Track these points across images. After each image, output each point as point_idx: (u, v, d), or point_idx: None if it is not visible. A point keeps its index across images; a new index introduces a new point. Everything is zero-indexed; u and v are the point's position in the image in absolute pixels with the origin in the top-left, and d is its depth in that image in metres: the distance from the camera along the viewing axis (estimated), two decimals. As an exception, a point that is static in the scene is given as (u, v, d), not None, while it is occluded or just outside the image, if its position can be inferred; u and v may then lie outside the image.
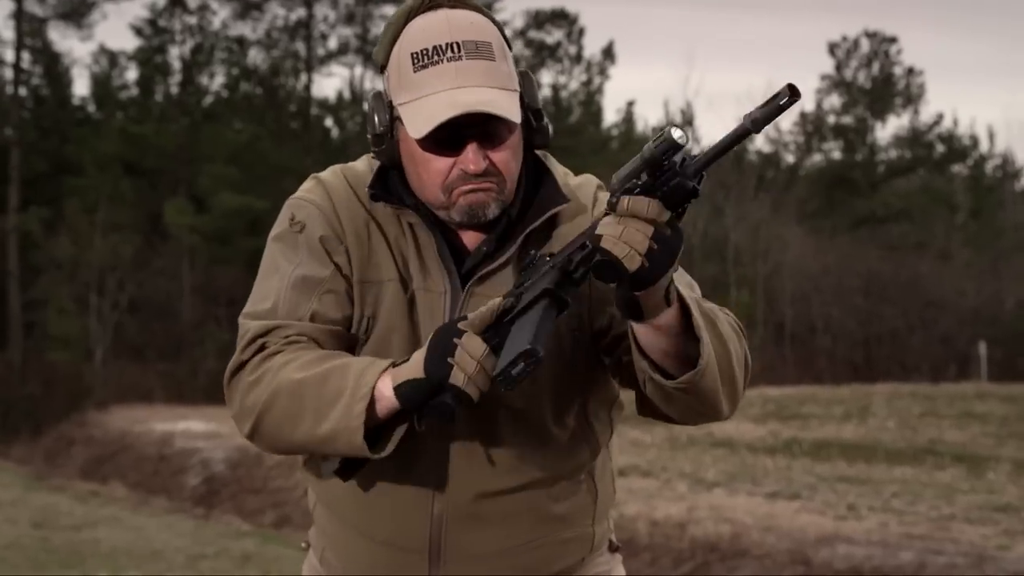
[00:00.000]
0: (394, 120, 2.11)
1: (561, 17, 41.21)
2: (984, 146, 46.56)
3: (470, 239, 2.15)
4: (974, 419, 17.64)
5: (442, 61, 2.05)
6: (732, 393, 2.04)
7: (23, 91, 38.07)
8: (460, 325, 1.95)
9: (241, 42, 38.37)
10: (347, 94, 39.69)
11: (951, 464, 13.12)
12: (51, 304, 32.94)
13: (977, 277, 38.10)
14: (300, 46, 38.33)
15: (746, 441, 15.82)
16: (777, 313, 37.30)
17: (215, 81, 39.32)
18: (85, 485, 15.99)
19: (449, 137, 2.03)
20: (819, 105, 44.19)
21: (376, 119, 2.12)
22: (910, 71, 43.92)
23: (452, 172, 2.05)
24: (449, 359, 1.94)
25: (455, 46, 2.06)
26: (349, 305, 2.13)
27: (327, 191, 2.18)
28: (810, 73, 52.37)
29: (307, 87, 38.47)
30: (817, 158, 44.35)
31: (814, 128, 44.08)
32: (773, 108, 1.79)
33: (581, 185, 2.22)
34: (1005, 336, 35.23)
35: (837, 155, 44.09)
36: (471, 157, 2.04)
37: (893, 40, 43.93)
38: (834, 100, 44.18)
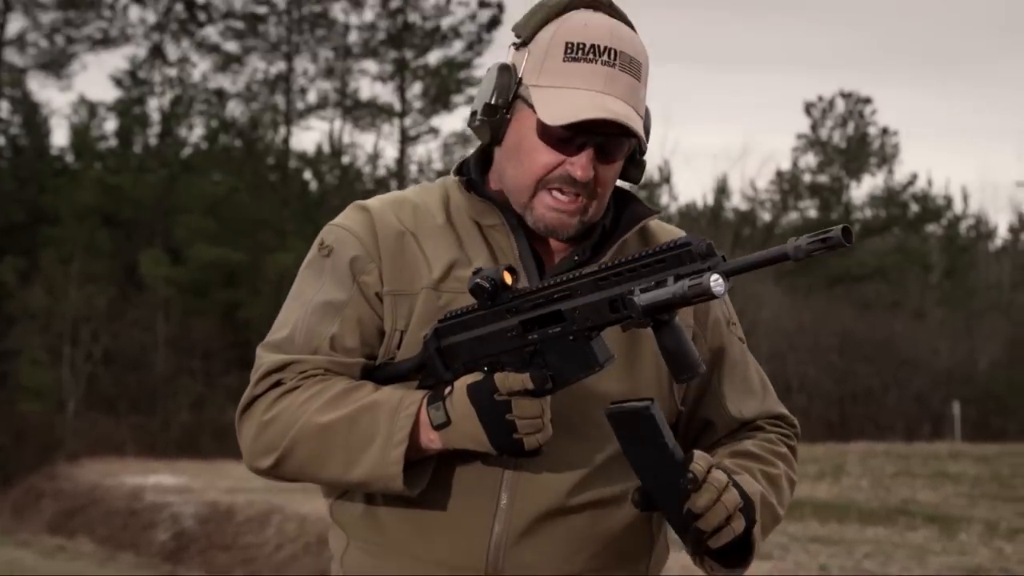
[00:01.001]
0: (516, 98, 2.06)
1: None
2: (958, 206, 46.79)
3: (555, 243, 2.11)
4: (947, 479, 17.59)
5: (597, 62, 2.02)
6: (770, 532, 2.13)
7: (1, 140, 38.02)
8: (496, 396, 1.91)
9: (220, 94, 38.40)
10: (326, 147, 39.75)
11: (923, 525, 13.07)
12: (24, 355, 32.68)
13: (951, 336, 38.21)
14: (279, 99, 38.42)
15: (719, 500, 15.71)
16: (753, 370, 37.26)
17: (194, 133, 39.32)
18: (52, 540, 15.83)
19: (570, 137, 2.01)
20: (795, 164, 44.48)
21: (497, 90, 2.06)
22: (885, 131, 44.25)
23: (556, 170, 2.02)
24: (515, 435, 1.91)
25: (613, 52, 2.03)
26: (376, 324, 2.07)
27: (362, 210, 2.13)
28: (786, 132, 52.69)
29: (286, 140, 38.54)
30: (793, 216, 44.54)
31: (790, 186, 44.30)
32: (817, 244, 1.80)
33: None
34: (979, 395, 35.30)
35: (813, 213, 44.28)
36: (584, 163, 2.01)
37: (868, 101, 44.30)
38: (810, 159, 44.49)
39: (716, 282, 1.77)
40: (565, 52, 2.03)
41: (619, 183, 2.16)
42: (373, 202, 2.14)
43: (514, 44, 2.11)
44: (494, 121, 2.06)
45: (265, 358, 2.09)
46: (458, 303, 2.03)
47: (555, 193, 2.03)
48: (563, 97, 2.00)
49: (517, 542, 2.02)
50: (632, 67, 2.04)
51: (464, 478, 2.02)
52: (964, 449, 24.76)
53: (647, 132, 2.10)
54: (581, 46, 2.02)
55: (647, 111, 2.10)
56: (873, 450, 23.64)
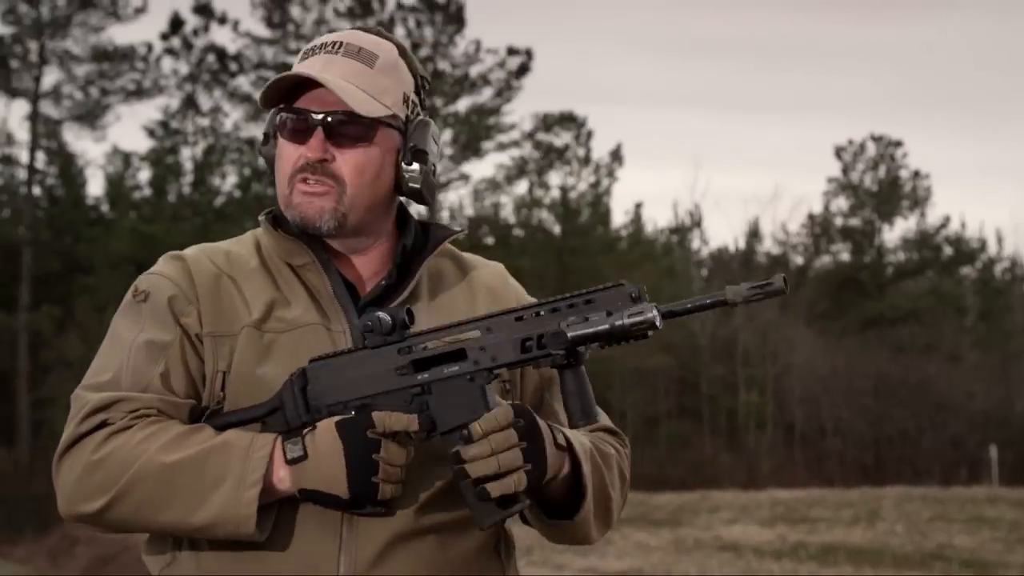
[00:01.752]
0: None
1: (569, 120, 41.50)
2: (992, 249, 46.67)
3: (364, 265, 2.13)
4: (984, 524, 17.40)
5: (319, 53, 2.08)
6: (605, 524, 2.11)
7: (37, 191, 38.35)
8: (371, 433, 1.88)
9: (252, 143, 38.67)
10: (358, 195, 39.88)
11: (959, 570, 12.95)
12: (59, 402, 32.85)
13: (987, 379, 37.91)
14: (311, 147, 38.63)
15: (753, 544, 15.61)
16: (787, 414, 37.10)
17: (227, 181, 39.59)
18: (85, 586, 15.83)
19: (298, 125, 2.05)
20: (826, 207, 44.39)
21: (268, 122, 2.13)
22: (916, 174, 44.12)
23: (298, 161, 2.04)
24: (374, 478, 1.88)
25: (337, 44, 2.09)
26: (198, 366, 2.02)
27: (176, 258, 2.11)
28: (817, 175, 52.61)
29: (318, 188, 38.67)
30: (825, 260, 44.43)
31: (822, 230, 44.19)
32: (757, 291, 1.80)
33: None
34: (1016, 439, 34.98)
35: (845, 257, 44.18)
36: (312, 143, 2.03)
37: (899, 144, 44.21)
38: (841, 202, 44.39)
39: (657, 316, 1.79)
40: (300, 58, 2.11)
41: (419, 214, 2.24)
42: (187, 251, 2.14)
43: None
44: (267, 151, 2.13)
45: (89, 396, 1.98)
46: (280, 344, 2.02)
47: (302, 184, 2.05)
48: (271, 81, 2.07)
49: (368, 572, 1.96)
50: (361, 55, 2.08)
51: (303, 514, 1.96)
52: (1002, 493, 24.52)
53: (420, 138, 2.11)
54: (312, 47, 2.11)
55: (425, 122, 2.12)
56: (909, 494, 23.44)
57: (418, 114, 2.14)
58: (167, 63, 38.12)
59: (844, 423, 36.35)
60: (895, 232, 51.70)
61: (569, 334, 1.83)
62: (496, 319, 1.91)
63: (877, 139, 44.20)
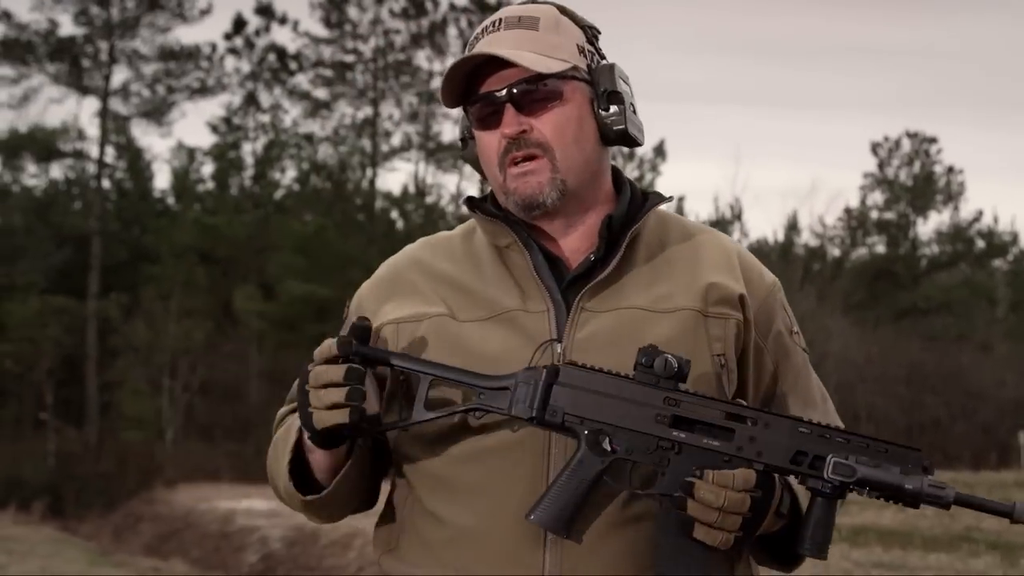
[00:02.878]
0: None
1: (615, 116, 41.27)
2: (1024, 242, 46.07)
3: (572, 241, 1.99)
4: (1012, 507, 17.22)
5: (484, 36, 1.99)
6: None
7: (106, 184, 38.68)
8: (308, 367, 1.85)
9: (311, 139, 38.85)
10: (411, 188, 39.99)
11: (986, 552, 12.82)
12: (126, 385, 33.15)
13: (1017, 368, 37.52)
14: (366, 142, 38.74)
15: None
16: (822, 401, 36.86)
17: (286, 175, 39.82)
18: (147, 561, 15.98)
19: (491, 112, 1.95)
20: (863, 201, 44.02)
21: (460, 128, 2.07)
22: (950, 169, 43.68)
23: (500, 145, 1.94)
24: (308, 408, 1.83)
25: (497, 22, 1.99)
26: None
27: (379, 269, 2.12)
28: (854, 170, 52.16)
29: (372, 181, 38.80)
30: (861, 251, 44.05)
31: (858, 223, 43.84)
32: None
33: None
34: (1045, 425, 34.65)
35: (880, 249, 43.79)
36: (505, 120, 1.93)
37: (933, 140, 43.77)
38: (877, 197, 44.00)
39: (951, 499, 1.74)
40: (465, 50, 2.00)
41: (621, 170, 2.08)
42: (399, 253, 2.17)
43: None
44: (469, 153, 2.06)
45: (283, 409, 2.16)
46: (467, 333, 1.94)
47: (512, 167, 1.94)
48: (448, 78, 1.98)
49: (574, 551, 1.85)
50: (522, 23, 1.97)
51: (505, 508, 1.88)
52: (1029, 478, 24.27)
53: (609, 80, 1.98)
54: (475, 36, 2.01)
55: (609, 66, 2.00)
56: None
57: (599, 61, 2.01)
58: (230, 62, 38.41)
59: (878, 410, 36.09)
60: (929, 225, 51.24)
61: (860, 472, 1.74)
62: (778, 418, 1.79)
63: (912, 136, 43.81)
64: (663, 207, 2.06)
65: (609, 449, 1.81)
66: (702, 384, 1.89)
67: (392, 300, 2.02)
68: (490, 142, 1.96)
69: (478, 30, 2.01)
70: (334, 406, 1.81)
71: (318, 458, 1.93)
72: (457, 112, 2.04)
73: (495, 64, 1.93)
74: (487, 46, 1.95)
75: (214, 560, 16.96)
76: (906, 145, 43.71)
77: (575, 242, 1.99)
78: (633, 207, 2.02)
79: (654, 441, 1.79)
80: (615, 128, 1.98)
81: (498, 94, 1.94)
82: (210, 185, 40.00)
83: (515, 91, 1.93)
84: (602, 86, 1.97)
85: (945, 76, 66.90)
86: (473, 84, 1.97)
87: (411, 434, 1.95)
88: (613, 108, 1.97)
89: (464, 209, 2.08)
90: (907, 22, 67.83)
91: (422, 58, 38.46)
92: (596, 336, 1.91)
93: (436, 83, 38.18)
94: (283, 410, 2.10)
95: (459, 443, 1.92)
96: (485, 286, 1.98)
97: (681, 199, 51.64)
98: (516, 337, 1.92)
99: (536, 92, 1.94)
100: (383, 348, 1.93)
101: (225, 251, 36.50)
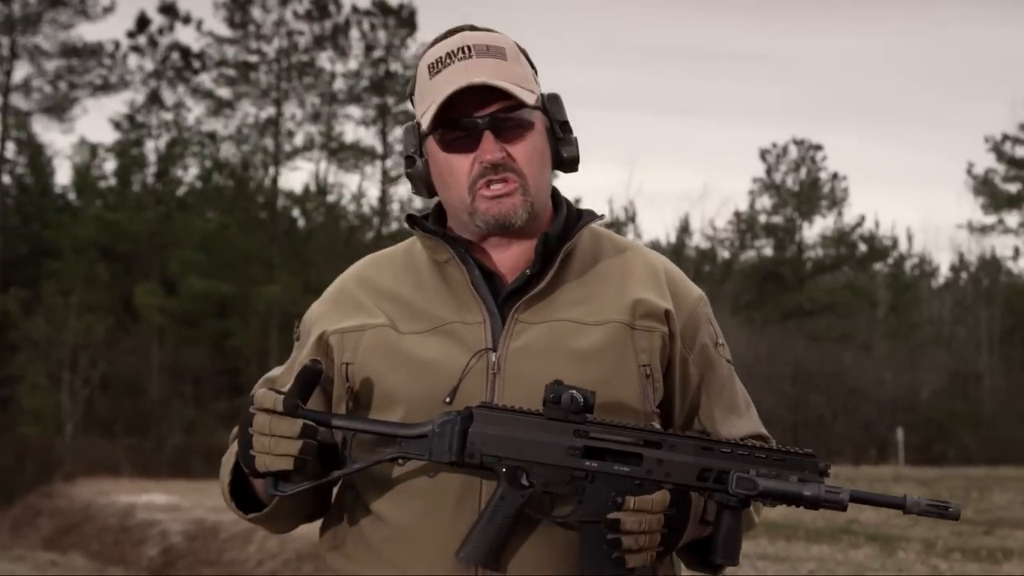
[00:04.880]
0: (423, 140, 2.04)
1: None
2: (903, 246, 47.03)
3: (507, 261, 2.03)
4: (890, 501, 17.54)
5: (454, 62, 1.99)
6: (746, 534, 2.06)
7: (7, 179, 37.90)
8: (252, 408, 1.88)
9: (213, 137, 38.40)
10: (312, 187, 39.75)
11: (865, 543, 13.07)
12: (26, 380, 32.50)
13: (896, 367, 38.28)
14: (269, 142, 38.39)
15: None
16: (711, 398, 37.24)
17: (188, 173, 39.30)
18: (46, 555, 15.70)
19: (464, 134, 1.97)
20: (752, 205, 44.62)
21: (405, 145, 2.06)
22: (835, 176, 44.43)
23: (474, 169, 1.96)
24: (251, 451, 1.87)
25: (466, 49, 2.00)
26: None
27: (327, 289, 2.15)
28: (743, 176, 52.91)
29: (274, 180, 38.46)
30: (750, 254, 44.67)
31: (747, 226, 44.42)
32: (935, 509, 1.87)
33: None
34: (921, 422, 35.38)
35: (768, 252, 44.43)
36: (487, 146, 1.95)
37: (819, 147, 44.51)
38: (765, 201, 44.62)
39: (847, 501, 1.81)
40: (428, 73, 2.02)
41: (561, 189, 2.12)
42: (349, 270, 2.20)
43: (411, 103, 2.11)
44: (416, 171, 2.05)
45: None
46: (407, 345, 1.99)
47: (484, 189, 1.97)
48: (433, 103, 1.98)
49: (510, 543, 1.90)
50: (491, 52, 2.01)
51: (437, 510, 1.94)
52: (907, 473, 24.80)
53: (557, 110, 2.04)
54: (439, 60, 2.01)
55: (554, 95, 2.05)
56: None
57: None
58: (133, 60, 37.68)
59: (765, 407, 36.42)
60: (814, 229, 51.93)
61: (760, 484, 1.81)
62: (682, 439, 1.86)
63: (799, 143, 44.48)
64: (596, 224, 2.11)
65: (527, 484, 1.86)
66: (627, 393, 1.97)
67: (338, 315, 2.07)
68: (461, 165, 1.98)
69: (440, 53, 2.02)
70: (284, 455, 1.86)
71: (259, 483, 1.98)
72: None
73: (471, 91, 1.96)
74: (465, 73, 1.97)
75: (114, 554, 16.70)
76: (793, 152, 44.40)
77: (512, 258, 2.04)
78: (568, 224, 2.07)
79: (568, 472, 1.85)
80: (570, 155, 2.05)
81: (479, 120, 1.96)
82: (112, 182, 39.36)
83: (497, 118, 1.97)
84: (557, 116, 2.04)
85: (831, 86, 68.03)
86: (444, 108, 1.98)
87: (357, 441, 1.98)
88: (569, 136, 2.05)
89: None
90: (796, 33, 68.86)
91: (325, 60, 38.26)
92: (529, 346, 1.96)
93: (339, 84, 38.02)
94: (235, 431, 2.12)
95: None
96: (425, 300, 2.03)
97: (577, 201, 51.81)
98: (454, 347, 1.97)
99: (513, 120, 1.98)
100: (323, 412, 1.97)
101: (127, 247, 35.98)
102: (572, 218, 2.09)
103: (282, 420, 1.85)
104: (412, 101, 2.10)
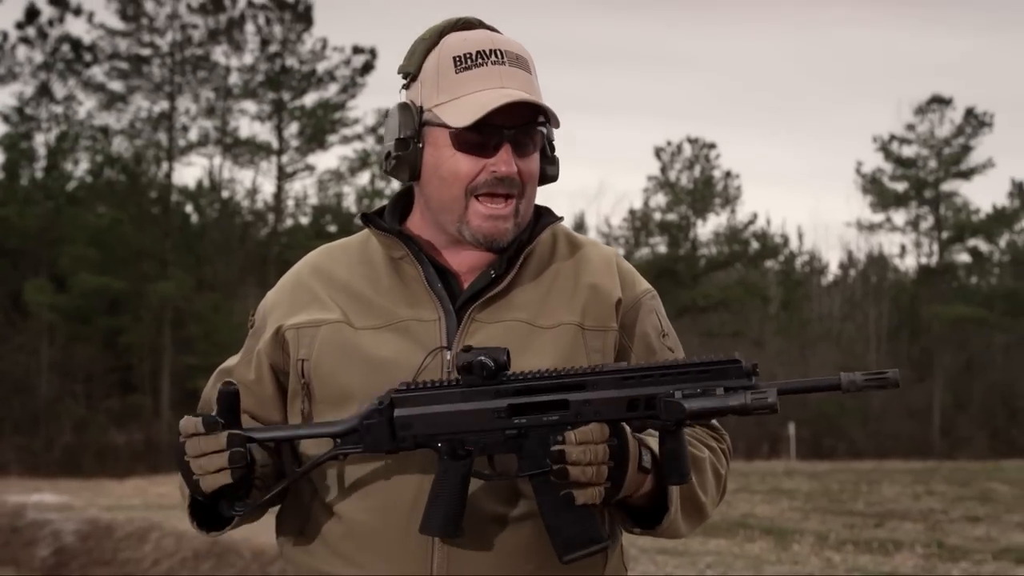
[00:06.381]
0: (423, 126, 1.99)
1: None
2: (794, 244, 47.87)
3: (463, 260, 2.03)
4: (783, 494, 17.85)
5: (487, 64, 1.97)
6: (696, 522, 2.04)
7: None
8: (181, 438, 1.89)
9: (106, 131, 37.72)
10: (206, 182, 39.28)
11: (761, 537, 13.26)
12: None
13: (787, 363, 38.88)
14: (162, 136, 37.84)
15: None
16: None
17: (79, 167, 38.56)
18: (-67, 556, 15.31)
19: (484, 140, 1.95)
20: (646, 203, 45.00)
21: (402, 125, 1.99)
22: (728, 174, 44.97)
23: (480, 176, 1.95)
24: (193, 476, 1.89)
25: (499, 52, 1.98)
26: (275, 358, 2.07)
27: (282, 278, 2.14)
28: (638, 173, 53.34)
29: (168, 175, 37.93)
30: (645, 251, 45.05)
31: (642, 224, 44.79)
32: (873, 381, 1.78)
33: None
34: (812, 418, 35.98)
35: (663, 249, 44.84)
36: (505, 158, 1.95)
37: (713, 146, 45.01)
38: (660, 199, 45.04)
39: (776, 401, 1.77)
40: (455, 66, 1.98)
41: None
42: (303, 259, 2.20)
43: (404, 86, 2.06)
44: (408, 154, 2.00)
45: None
46: (363, 341, 1.99)
47: (486, 202, 1.97)
48: (467, 101, 1.94)
49: (463, 549, 1.93)
50: (520, 63, 2.00)
51: (400, 488, 1.96)
52: (798, 467, 25.25)
53: (548, 130, 2.06)
54: (468, 56, 1.97)
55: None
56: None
57: None
58: (22, 51, 36.88)
59: (659, 402, 36.92)
60: (708, 227, 52.62)
61: (687, 406, 1.78)
62: (604, 376, 1.84)
63: (693, 141, 44.95)
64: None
65: (465, 452, 1.87)
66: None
67: (294, 307, 2.07)
68: (469, 168, 1.96)
69: (467, 48, 1.99)
70: (220, 470, 1.87)
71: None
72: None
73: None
74: (500, 79, 1.96)
75: (4, 555, 16.35)
76: (687, 150, 44.86)
77: (469, 258, 2.03)
78: (535, 226, 2.07)
79: (501, 434, 1.86)
80: (550, 175, 2.07)
81: (505, 132, 1.95)
82: (0, 175, 38.52)
83: (520, 134, 1.97)
84: (550, 136, 2.06)
85: (725, 86, 68.92)
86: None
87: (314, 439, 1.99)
88: (554, 156, 2.07)
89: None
90: (691, 34, 69.64)
91: (220, 54, 37.81)
92: (483, 345, 1.94)
93: (233, 79, 37.57)
94: None
95: None
96: (380, 296, 2.03)
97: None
98: (408, 344, 1.98)
99: (530, 138, 1.99)
100: (249, 428, 1.95)
101: (15, 242, 35.23)
102: (532, 218, 2.08)
103: (207, 439, 1.86)
104: (407, 80, 2.06)
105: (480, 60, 1.97)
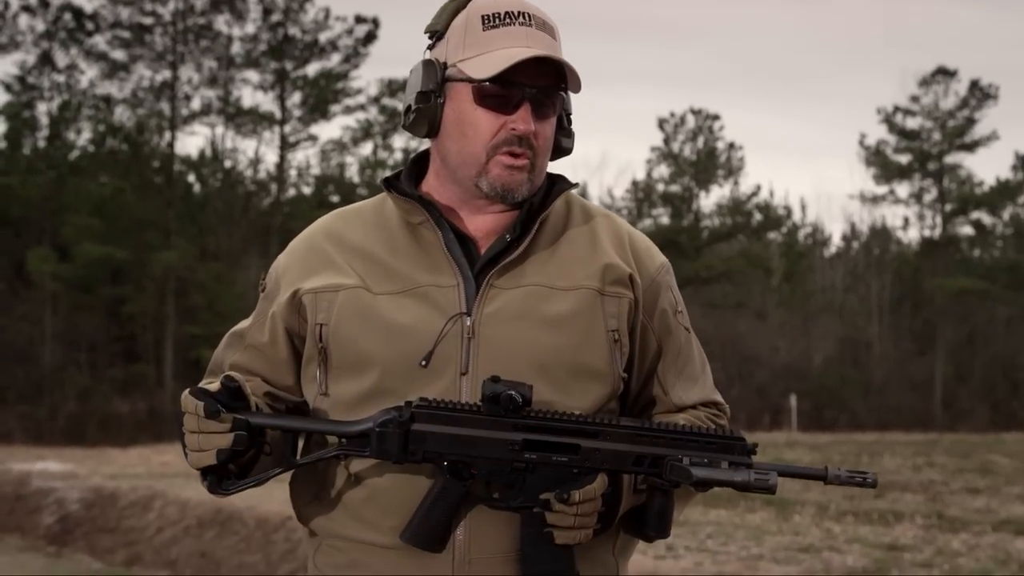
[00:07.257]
0: (445, 82, 2.02)
1: (413, 86, 41.07)
2: (797, 216, 47.78)
3: (482, 225, 2.06)
4: (784, 466, 17.82)
5: (514, 24, 2.00)
6: (689, 503, 2.14)
7: None
8: (183, 411, 1.91)
9: (108, 100, 37.67)
10: (209, 152, 39.24)
11: (761, 508, 13.31)
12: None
13: (789, 335, 38.94)
14: (165, 106, 37.78)
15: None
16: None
17: (82, 136, 38.51)
18: (-62, 524, 15.40)
19: (505, 97, 1.98)
20: (649, 174, 44.95)
21: (425, 79, 2.02)
22: (731, 146, 44.89)
23: (500, 133, 1.98)
24: (186, 450, 1.92)
25: (526, 15, 2.02)
26: (291, 322, 2.07)
27: (293, 241, 2.15)
28: (641, 145, 53.22)
29: (170, 144, 37.90)
30: (647, 223, 45.01)
31: (645, 195, 44.75)
32: (854, 479, 1.93)
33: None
34: (813, 389, 36.04)
35: (666, 220, 44.80)
36: (524, 115, 1.98)
37: (716, 117, 44.91)
38: (663, 170, 44.98)
39: (776, 484, 1.89)
40: (483, 24, 2.01)
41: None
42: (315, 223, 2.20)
43: (429, 46, 2.09)
44: (429, 108, 2.03)
45: None
46: (381, 306, 2.01)
47: (507, 156, 1.99)
48: (493, 56, 1.98)
49: (479, 517, 1.96)
50: (547, 28, 2.03)
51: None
52: (799, 438, 25.26)
53: (567, 101, 2.09)
54: (496, 15, 2.01)
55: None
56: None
57: None
58: (24, 20, 36.89)
59: (661, 374, 36.94)
60: (711, 199, 52.73)
61: (694, 473, 1.88)
62: (619, 429, 1.92)
63: (696, 112, 44.85)
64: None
65: (469, 475, 1.93)
66: (597, 358, 2.01)
67: (309, 270, 2.07)
68: (490, 124, 1.99)
69: (495, 7, 2.02)
70: (212, 449, 1.90)
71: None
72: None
73: (531, 60, 1.97)
74: (527, 39, 1.99)
75: (9, 523, 16.45)
76: (691, 121, 44.76)
77: (487, 223, 2.06)
78: (543, 190, 2.10)
79: (509, 464, 1.92)
80: (564, 147, 2.10)
81: (528, 89, 1.99)
82: (2, 145, 38.48)
83: (541, 94, 2.00)
84: (568, 107, 2.09)
85: (729, 57, 68.68)
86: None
87: (331, 402, 2.02)
88: (570, 128, 2.11)
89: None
90: (696, 4, 69.39)
91: (222, 23, 37.71)
92: (502, 311, 1.99)
93: (236, 48, 37.50)
94: None
95: None
96: (397, 260, 2.04)
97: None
98: (428, 310, 2.00)
99: (550, 100, 2.02)
100: (259, 412, 1.97)
101: (18, 211, 35.24)
102: (547, 184, 2.11)
103: (204, 420, 1.89)
104: (433, 39, 2.09)
105: (508, 20, 2.00)
